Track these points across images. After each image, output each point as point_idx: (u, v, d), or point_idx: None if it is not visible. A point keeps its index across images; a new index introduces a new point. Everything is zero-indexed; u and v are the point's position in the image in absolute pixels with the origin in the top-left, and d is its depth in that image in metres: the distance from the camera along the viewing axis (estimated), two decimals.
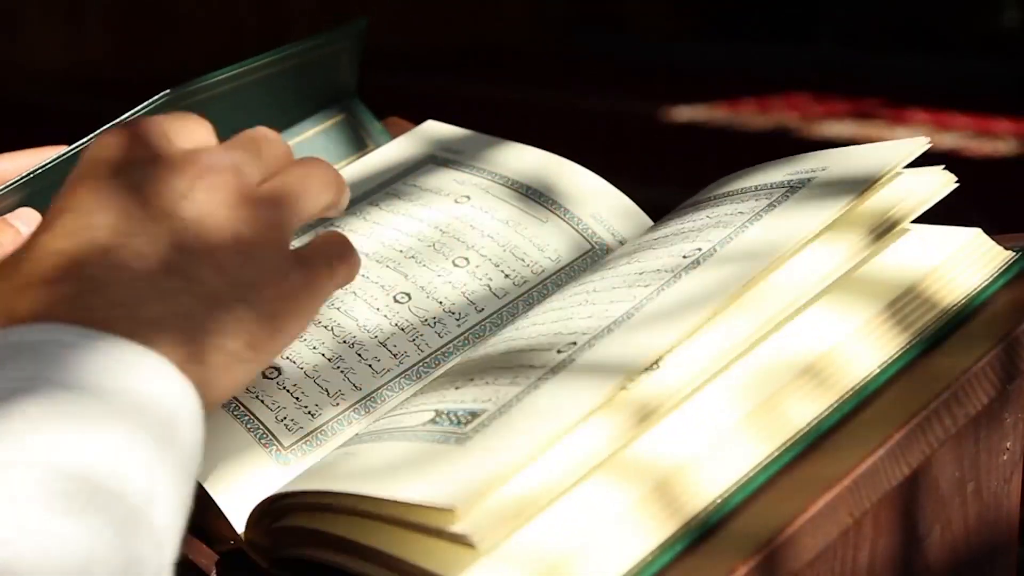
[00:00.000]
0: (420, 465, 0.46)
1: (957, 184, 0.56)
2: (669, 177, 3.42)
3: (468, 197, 0.68)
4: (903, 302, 0.53)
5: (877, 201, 0.54)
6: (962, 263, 0.55)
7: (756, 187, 0.59)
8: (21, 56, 5.17)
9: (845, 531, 0.47)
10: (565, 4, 6.54)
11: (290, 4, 5.88)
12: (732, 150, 4.00)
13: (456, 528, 0.43)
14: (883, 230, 0.53)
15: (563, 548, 0.43)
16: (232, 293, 0.43)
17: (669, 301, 0.51)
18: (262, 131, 0.49)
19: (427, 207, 0.67)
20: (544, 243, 0.65)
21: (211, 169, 0.45)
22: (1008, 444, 0.55)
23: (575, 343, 0.50)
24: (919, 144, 0.56)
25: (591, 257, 0.65)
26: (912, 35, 5.70)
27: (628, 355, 0.48)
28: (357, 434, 0.54)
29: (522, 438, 0.45)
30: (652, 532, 0.45)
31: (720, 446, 0.48)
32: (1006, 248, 0.56)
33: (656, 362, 0.48)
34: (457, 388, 0.52)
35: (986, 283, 0.55)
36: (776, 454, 0.48)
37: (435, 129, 0.75)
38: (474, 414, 0.48)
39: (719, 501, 0.46)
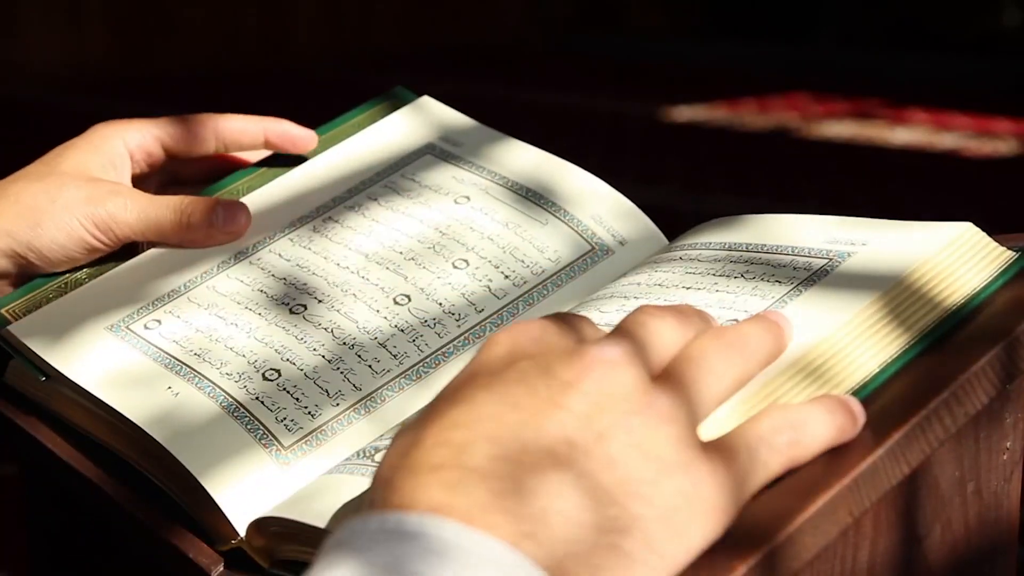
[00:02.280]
0: None
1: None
2: (669, 177, 3.42)
3: (468, 198, 0.68)
4: (904, 302, 0.53)
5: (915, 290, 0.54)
6: (962, 263, 0.55)
7: (794, 249, 0.58)
8: (21, 56, 5.17)
9: (845, 530, 0.47)
10: (565, 4, 6.54)
11: (290, 5, 5.88)
12: (732, 150, 4.00)
13: None
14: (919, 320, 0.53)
15: None
16: (625, 488, 0.41)
17: None
18: (649, 312, 0.46)
19: (427, 206, 0.67)
20: (544, 244, 0.65)
21: (600, 361, 0.43)
22: (1008, 444, 0.55)
23: None
24: (967, 229, 0.55)
25: (591, 258, 0.65)
26: (912, 35, 5.71)
27: None
28: (376, 447, 0.54)
29: None
30: None
31: None
32: (1006, 248, 0.57)
33: None
34: None
35: (986, 283, 0.55)
36: None
37: (434, 110, 0.75)
38: None
39: None
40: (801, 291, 0.54)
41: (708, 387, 0.45)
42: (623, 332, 0.45)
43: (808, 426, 0.46)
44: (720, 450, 0.43)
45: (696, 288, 0.57)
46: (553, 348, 0.44)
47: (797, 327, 0.50)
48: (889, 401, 0.49)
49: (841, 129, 4.20)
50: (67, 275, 0.65)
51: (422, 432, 0.42)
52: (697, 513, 0.42)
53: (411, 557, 0.37)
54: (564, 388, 0.42)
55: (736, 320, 0.53)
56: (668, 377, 0.44)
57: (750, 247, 0.59)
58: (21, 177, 0.67)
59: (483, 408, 0.42)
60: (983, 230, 0.57)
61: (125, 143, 0.69)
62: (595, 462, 0.41)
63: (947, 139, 4.01)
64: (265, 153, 0.73)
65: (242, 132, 0.71)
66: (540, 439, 0.41)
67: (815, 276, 0.55)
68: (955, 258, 0.55)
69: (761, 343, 0.47)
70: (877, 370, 0.51)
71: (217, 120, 0.71)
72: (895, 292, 0.53)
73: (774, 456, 0.45)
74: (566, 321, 0.46)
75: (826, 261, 0.56)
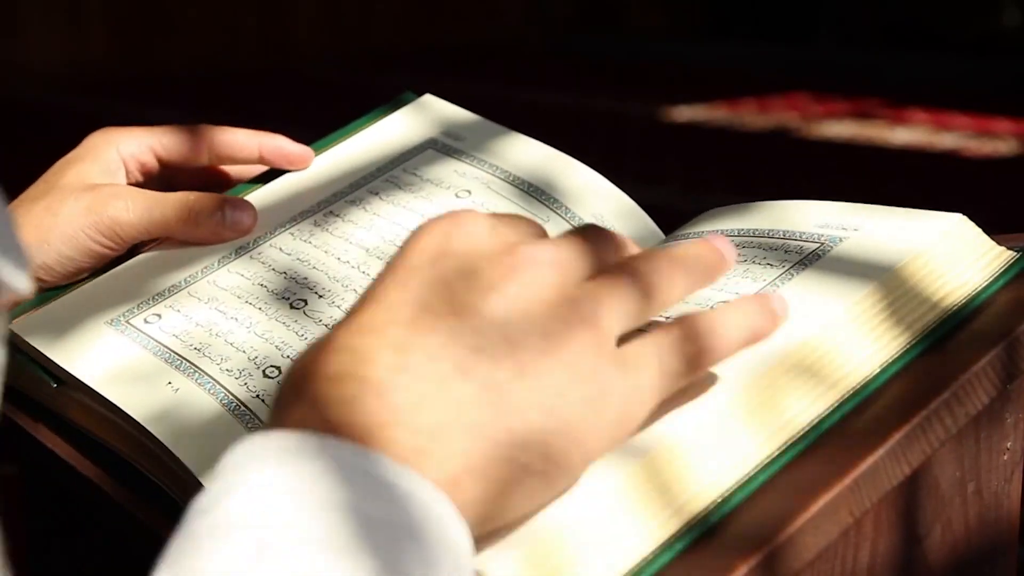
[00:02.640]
0: None
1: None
2: (669, 177, 3.42)
3: (469, 192, 0.68)
4: (904, 302, 0.53)
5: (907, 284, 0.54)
6: (955, 256, 0.55)
7: (786, 233, 0.58)
8: (21, 56, 5.17)
9: (846, 531, 0.47)
10: (565, 4, 6.54)
11: (290, 5, 5.88)
12: (732, 150, 4.00)
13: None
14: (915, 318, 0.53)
15: (565, 546, 0.43)
16: (529, 398, 0.39)
17: None
18: (595, 228, 0.45)
19: (428, 200, 0.67)
20: None
21: (530, 262, 0.41)
22: (1009, 444, 0.55)
23: None
24: (960, 222, 0.56)
25: None
26: (912, 35, 5.71)
27: (650, 436, 0.46)
28: None
29: None
30: (654, 530, 0.45)
31: (721, 446, 0.48)
32: (1006, 248, 0.57)
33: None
34: None
35: (986, 283, 0.55)
36: (776, 454, 0.48)
37: (436, 106, 0.75)
38: None
39: (720, 500, 0.46)
40: (793, 275, 0.54)
41: (637, 299, 0.43)
42: (566, 236, 0.43)
43: (718, 331, 0.44)
44: (630, 359, 0.42)
45: None
46: (483, 245, 0.42)
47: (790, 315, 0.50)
48: (889, 401, 0.49)
49: (841, 129, 4.20)
50: (76, 283, 0.66)
51: (332, 332, 0.41)
52: (600, 422, 0.41)
53: (311, 480, 0.36)
54: (484, 291, 0.40)
55: (726, 303, 0.53)
56: (599, 282, 0.42)
57: (742, 232, 0.60)
58: (23, 200, 0.67)
59: (393, 312, 0.40)
60: (983, 230, 0.57)
61: (119, 151, 0.69)
62: (502, 372, 0.39)
63: (947, 139, 4.01)
64: (260, 168, 0.72)
65: (238, 146, 0.71)
66: (448, 347, 0.39)
67: (807, 260, 0.55)
68: (948, 251, 0.55)
69: (703, 265, 0.45)
70: (878, 370, 0.51)
71: (213, 132, 0.71)
72: (889, 284, 0.53)
73: (685, 365, 0.43)
74: (508, 219, 0.44)
75: (818, 245, 0.56)
